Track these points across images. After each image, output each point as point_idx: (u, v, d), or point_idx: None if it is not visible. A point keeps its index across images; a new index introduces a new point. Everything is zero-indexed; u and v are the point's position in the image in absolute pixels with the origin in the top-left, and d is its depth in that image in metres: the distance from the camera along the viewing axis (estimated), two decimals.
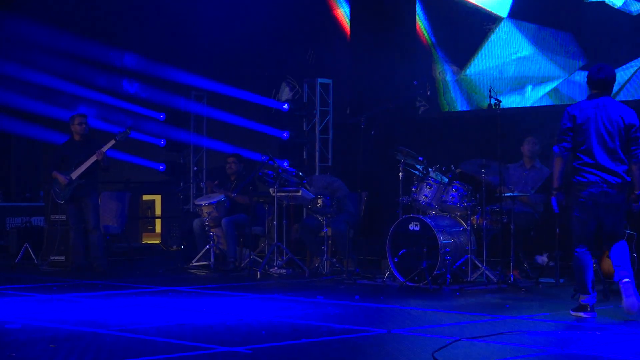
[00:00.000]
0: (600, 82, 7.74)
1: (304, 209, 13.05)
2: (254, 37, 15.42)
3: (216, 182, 12.61)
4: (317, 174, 13.47)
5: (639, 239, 9.66)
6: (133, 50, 15.72)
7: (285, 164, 13.39)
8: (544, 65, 12.43)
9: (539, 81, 12.47)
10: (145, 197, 17.60)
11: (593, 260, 7.95)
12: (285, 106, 13.87)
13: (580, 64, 12.03)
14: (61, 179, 11.70)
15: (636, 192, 7.68)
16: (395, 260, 10.23)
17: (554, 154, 7.78)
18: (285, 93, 14.17)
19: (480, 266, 10.07)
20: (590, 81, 7.80)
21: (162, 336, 6.78)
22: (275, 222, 11.73)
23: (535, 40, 12.47)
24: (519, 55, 12.66)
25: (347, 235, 11.32)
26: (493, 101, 10.10)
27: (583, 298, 7.70)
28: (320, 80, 13.95)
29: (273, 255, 11.56)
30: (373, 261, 12.05)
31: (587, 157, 7.65)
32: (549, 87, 12.39)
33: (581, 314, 7.69)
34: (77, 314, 8.06)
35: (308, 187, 11.77)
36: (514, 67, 12.69)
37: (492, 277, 9.87)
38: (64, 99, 15.36)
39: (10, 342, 6.55)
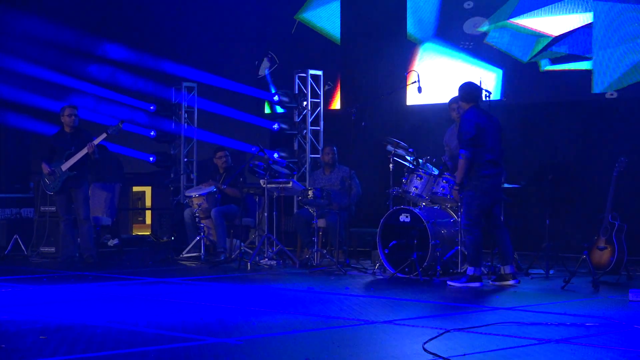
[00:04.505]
0: (479, 96, 9.57)
1: (295, 200, 13.05)
2: (244, 28, 15.38)
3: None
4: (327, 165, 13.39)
5: (629, 230, 9.70)
6: (123, 41, 15.66)
7: (275, 155, 13.37)
8: None
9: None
10: (136, 189, 17.58)
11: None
12: (276, 98, 13.84)
13: None
14: (45, 168, 11.69)
15: None
16: (386, 252, 10.24)
17: (465, 157, 9.19)
18: (264, 65, 14.31)
19: None
20: (471, 96, 9.42)
21: (153, 327, 6.78)
22: (265, 214, 11.73)
23: None
24: None
25: (341, 227, 11.27)
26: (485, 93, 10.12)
27: (477, 270, 9.25)
28: (310, 71, 13.93)
29: (263, 246, 11.56)
30: (363, 252, 12.06)
31: (490, 155, 9.28)
32: None
33: (470, 284, 9.18)
34: (68, 305, 8.05)
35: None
36: None
37: (482, 269, 9.87)
38: (54, 89, 15.29)
39: (0, 333, 6.54)
